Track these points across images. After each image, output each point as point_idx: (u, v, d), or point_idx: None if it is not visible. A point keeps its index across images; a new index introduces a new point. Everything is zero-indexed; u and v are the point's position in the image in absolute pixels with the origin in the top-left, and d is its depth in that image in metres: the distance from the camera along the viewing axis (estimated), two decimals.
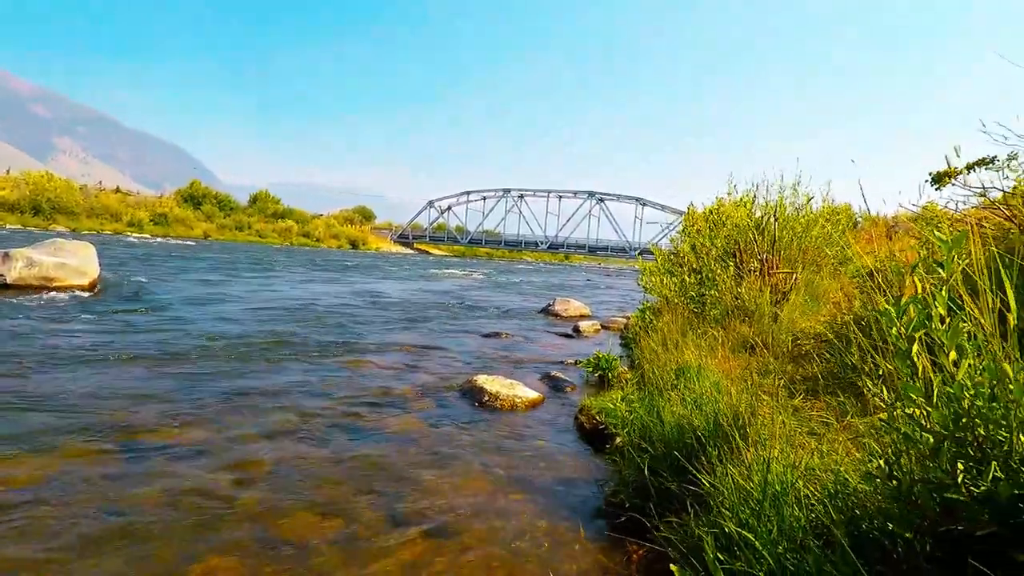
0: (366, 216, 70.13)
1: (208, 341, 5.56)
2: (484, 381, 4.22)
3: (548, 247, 65.59)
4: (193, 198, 54.43)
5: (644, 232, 62.62)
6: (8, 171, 49.18)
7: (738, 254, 5.45)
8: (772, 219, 5.34)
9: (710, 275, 5.38)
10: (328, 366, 4.98)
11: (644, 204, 61.96)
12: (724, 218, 6.01)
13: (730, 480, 1.83)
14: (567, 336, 7.79)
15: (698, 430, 2.32)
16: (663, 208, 61.11)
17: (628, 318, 8.80)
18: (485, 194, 69.09)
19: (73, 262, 8.55)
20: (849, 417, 2.17)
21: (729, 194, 6.40)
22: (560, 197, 66.37)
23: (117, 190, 55.36)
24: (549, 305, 10.53)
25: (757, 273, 5.00)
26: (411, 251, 62.81)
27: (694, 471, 2.03)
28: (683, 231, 7.47)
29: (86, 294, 8.07)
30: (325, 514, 2.39)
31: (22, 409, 3.26)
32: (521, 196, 67.68)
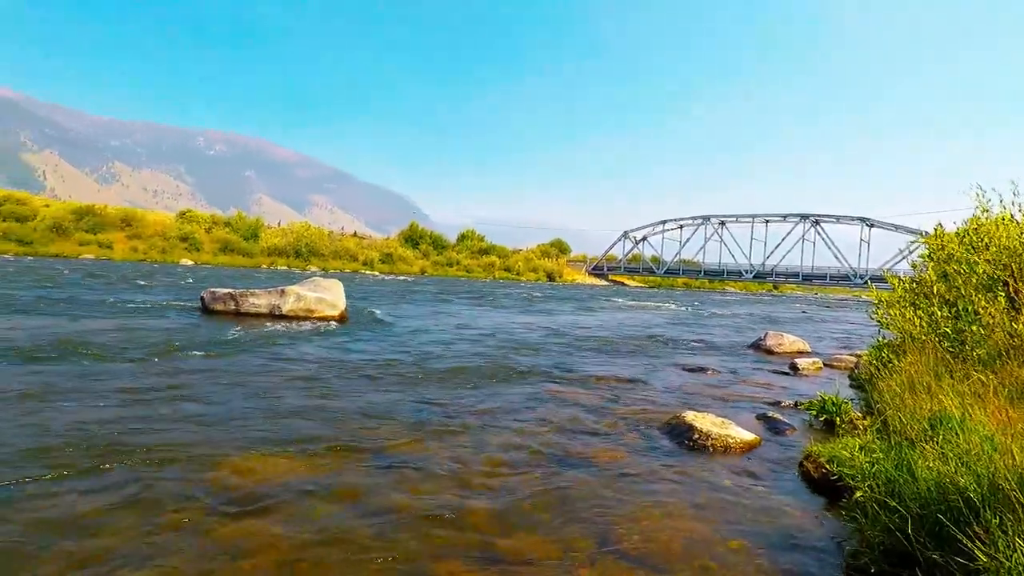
0: (562, 249, 72.44)
1: (432, 365, 6.22)
2: (693, 418, 4.06)
3: (754, 276, 60.67)
4: (412, 239, 61.71)
5: (871, 257, 54.28)
6: (279, 223, 61.15)
7: (1010, 282, 4.50)
8: None
9: (970, 307, 4.52)
10: (534, 393, 5.23)
11: (871, 225, 53.86)
12: (986, 239, 5.03)
13: (1019, 556, 1.52)
14: (782, 374, 7.12)
15: (967, 492, 1.97)
16: (896, 228, 52.58)
17: (858, 356, 7.74)
18: (682, 222, 66.75)
19: (328, 296, 10.26)
20: None
21: (985, 211, 5.38)
22: (767, 221, 61.02)
23: (354, 234, 65.14)
24: (759, 340, 9.73)
25: None
26: (606, 283, 63.10)
27: (966, 539, 1.73)
28: (928, 255, 6.40)
29: (337, 323, 9.61)
30: (540, 534, 2.51)
31: (294, 417, 3.99)
32: (722, 223, 63.90)
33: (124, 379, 4.74)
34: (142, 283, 17.22)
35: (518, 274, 58.66)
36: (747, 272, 60.80)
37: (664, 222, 67.58)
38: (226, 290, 10.21)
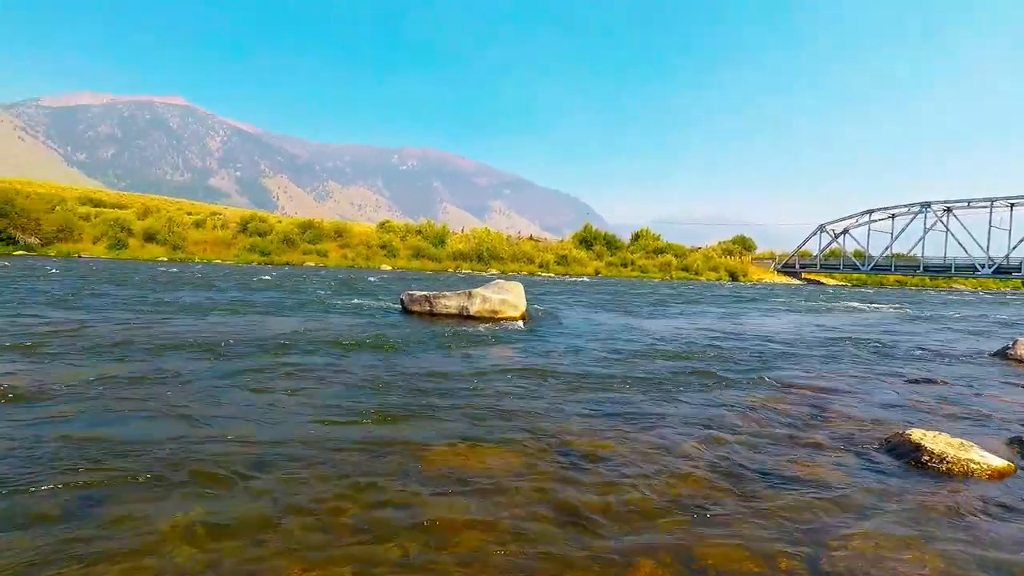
0: (746, 246, 67.44)
1: (610, 367, 6.21)
2: (922, 437, 3.51)
3: (994, 271, 50.41)
4: (586, 240, 62.11)
5: None
6: (462, 229, 65.70)
7: None
8: None
9: None
10: (724, 401, 4.94)
11: None
12: None
13: None
14: None
15: None
16: None
17: None
18: (894, 211, 57.92)
19: (510, 298, 10.77)
20: None
21: None
22: (1011, 205, 50.23)
23: (531, 238, 67.40)
24: (1008, 348, 8.07)
25: None
26: (799, 281, 57.31)
27: None
28: None
29: (519, 324, 10.04)
30: (740, 547, 2.37)
31: (489, 411, 4.25)
32: (948, 209, 54.10)
33: (346, 371, 5.48)
34: (353, 286, 19.73)
35: (696, 273, 55.92)
36: (984, 266, 50.77)
37: (870, 211, 59.30)
38: (422, 293, 11.25)
